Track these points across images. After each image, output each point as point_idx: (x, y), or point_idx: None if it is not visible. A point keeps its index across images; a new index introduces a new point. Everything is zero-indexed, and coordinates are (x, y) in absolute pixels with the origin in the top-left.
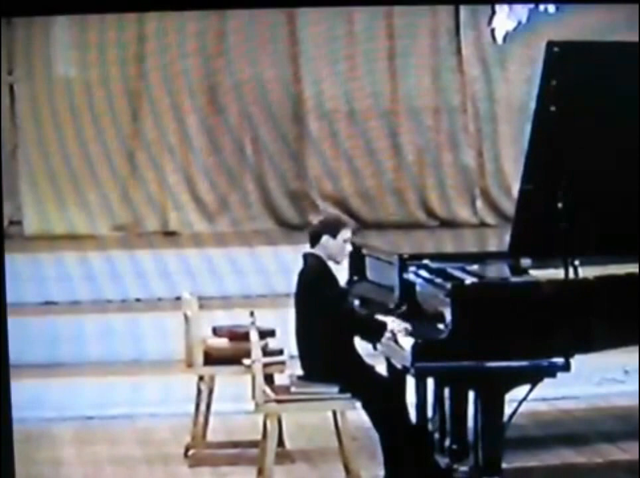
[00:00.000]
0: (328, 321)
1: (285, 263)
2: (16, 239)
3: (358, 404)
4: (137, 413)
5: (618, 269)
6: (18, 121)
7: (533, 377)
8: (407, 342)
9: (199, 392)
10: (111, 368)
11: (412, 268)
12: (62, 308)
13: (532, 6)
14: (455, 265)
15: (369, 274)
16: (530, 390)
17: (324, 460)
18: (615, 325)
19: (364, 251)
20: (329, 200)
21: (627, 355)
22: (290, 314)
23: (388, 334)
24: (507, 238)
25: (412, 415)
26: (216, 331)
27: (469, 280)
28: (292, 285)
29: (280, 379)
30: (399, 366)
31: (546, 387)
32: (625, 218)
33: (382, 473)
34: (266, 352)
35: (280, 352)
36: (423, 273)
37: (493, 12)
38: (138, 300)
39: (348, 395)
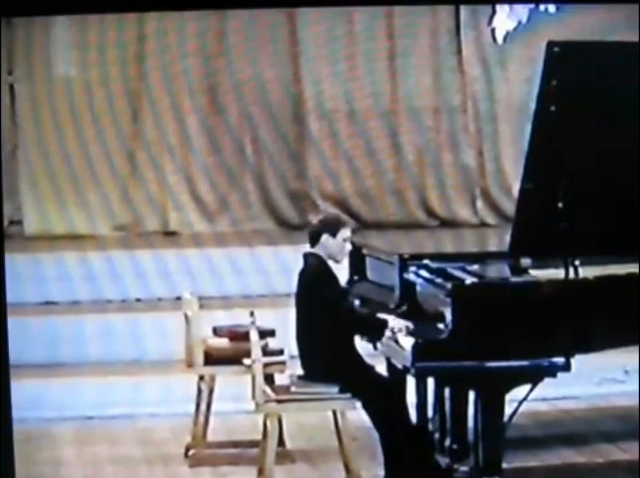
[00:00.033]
0: (329, 321)
1: (285, 263)
2: (16, 239)
3: (359, 404)
4: (138, 413)
5: (618, 269)
6: (19, 120)
7: (533, 377)
8: (407, 342)
9: (199, 391)
10: (111, 368)
11: (412, 268)
12: (62, 308)
13: (532, 6)
14: (455, 265)
15: (369, 274)
16: (531, 390)
17: (324, 460)
18: (615, 325)
19: (365, 251)
20: (329, 200)
21: (627, 355)
22: (290, 314)
23: (388, 333)
24: (507, 238)
25: (412, 415)
26: (216, 331)
27: (469, 280)
28: (292, 285)
29: (280, 379)
30: (399, 366)
31: (546, 387)
32: (625, 218)
33: (382, 472)
34: (266, 352)
35: (280, 352)
36: (424, 273)
37: (493, 12)
38: (138, 300)
39: (349, 395)
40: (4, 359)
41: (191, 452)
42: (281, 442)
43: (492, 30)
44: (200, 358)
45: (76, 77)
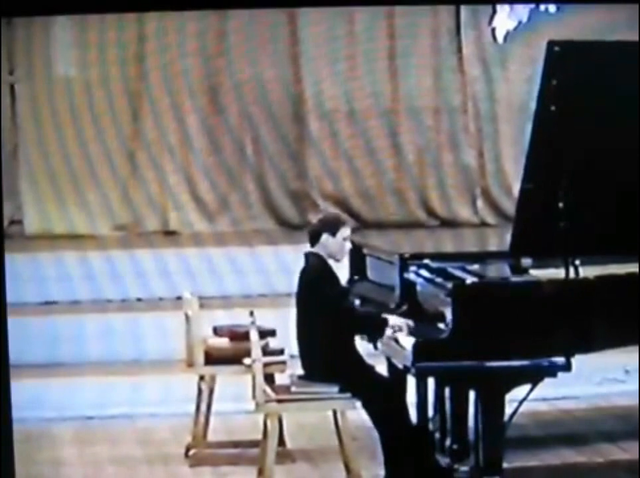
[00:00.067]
0: (329, 320)
1: (285, 262)
2: (16, 238)
3: (359, 404)
4: (138, 413)
5: (618, 269)
6: (19, 120)
7: (534, 377)
8: (408, 342)
9: (200, 391)
10: (111, 368)
11: (413, 268)
12: (62, 308)
13: (532, 5)
14: (455, 264)
15: (370, 274)
16: (531, 390)
17: (324, 459)
18: (615, 325)
19: (365, 250)
20: (330, 199)
21: (628, 355)
22: (290, 313)
23: (389, 331)
24: (508, 238)
25: (413, 414)
26: (216, 331)
27: (469, 280)
28: (292, 284)
29: (280, 379)
30: (400, 365)
31: (546, 387)
32: (626, 218)
33: (382, 472)
34: (267, 351)
35: (280, 351)
36: (424, 272)
37: (494, 12)
38: (138, 300)
39: (349, 395)
40: (4, 359)
41: (191, 452)
42: (281, 442)
43: (493, 30)
44: (200, 358)
45: (76, 77)
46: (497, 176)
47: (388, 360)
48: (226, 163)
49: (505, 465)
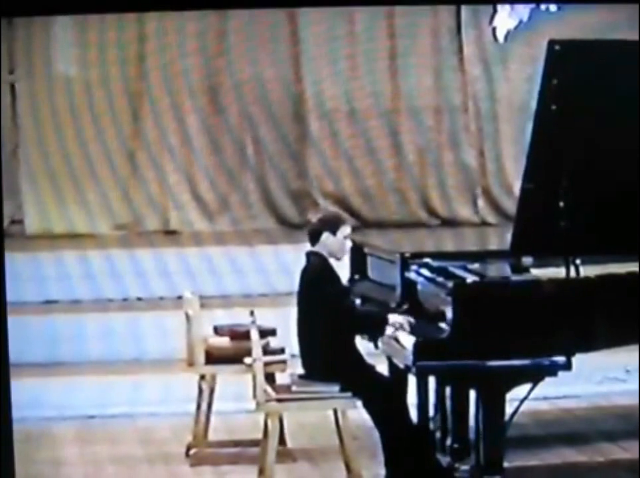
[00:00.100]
0: (330, 319)
1: (285, 262)
2: (17, 238)
3: (359, 403)
4: (138, 412)
5: (619, 268)
6: (19, 120)
7: (534, 376)
8: (408, 341)
9: (200, 391)
10: (111, 367)
11: (414, 267)
12: (63, 307)
13: (533, 5)
14: (456, 264)
15: (370, 273)
16: (532, 389)
17: (325, 459)
18: (616, 324)
19: (366, 250)
20: (330, 199)
21: (628, 354)
22: (291, 313)
23: (390, 329)
24: (508, 237)
25: (413, 414)
26: (217, 330)
27: (470, 279)
28: (293, 284)
29: (281, 378)
30: (400, 365)
31: (547, 386)
32: (626, 217)
33: (383, 472)
34: (267, 351)
35: (281, 351)
36: (425, 272)
37: (494, 11)
38: (139, 299)
39: (349, 394)
40: (4, 359)
41: (192, 451)
42: (282, 441)
43: (494, 29)
44: (201, 358)
45: (76, 77)
46: (498, 175)
47: (389, 359)
48: (226, 163)
49: (506, 464)
